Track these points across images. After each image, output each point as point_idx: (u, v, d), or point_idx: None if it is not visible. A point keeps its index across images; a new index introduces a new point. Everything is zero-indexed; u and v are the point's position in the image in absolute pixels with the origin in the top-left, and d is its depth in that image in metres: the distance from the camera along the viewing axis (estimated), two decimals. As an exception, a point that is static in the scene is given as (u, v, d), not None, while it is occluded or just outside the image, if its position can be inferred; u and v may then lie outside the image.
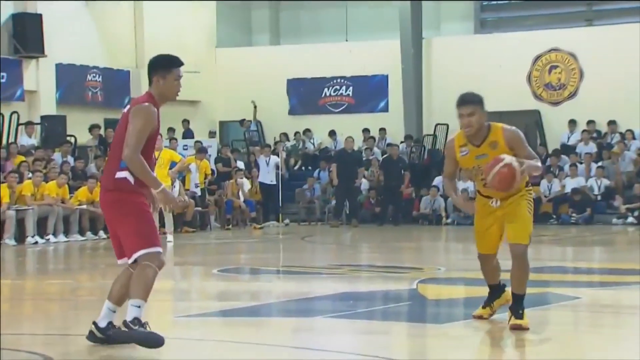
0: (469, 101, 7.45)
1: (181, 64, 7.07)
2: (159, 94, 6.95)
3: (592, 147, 25.36)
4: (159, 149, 17.42)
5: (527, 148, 7.52)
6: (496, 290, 7.95)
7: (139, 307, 6.76)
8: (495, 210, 7.58)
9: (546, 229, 20.98)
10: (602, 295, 10.64)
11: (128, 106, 6.96)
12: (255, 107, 27.88)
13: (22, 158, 21.31)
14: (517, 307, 7.54)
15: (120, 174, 6.86)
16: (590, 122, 26.15)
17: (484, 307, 7.98)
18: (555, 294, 10.02)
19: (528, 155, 7.44)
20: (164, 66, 6.97)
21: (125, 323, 6.76)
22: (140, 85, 24.42)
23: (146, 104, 6.86)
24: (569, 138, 26.23)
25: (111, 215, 7.00)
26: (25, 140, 23.40)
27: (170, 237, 18.59)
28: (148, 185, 6.90)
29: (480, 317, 7.97)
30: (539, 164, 7.61)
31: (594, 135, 26.01)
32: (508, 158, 7.21)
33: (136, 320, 6.73)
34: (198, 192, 22.96)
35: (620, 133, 25.60)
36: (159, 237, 7.11)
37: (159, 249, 6.96)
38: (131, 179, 6.86)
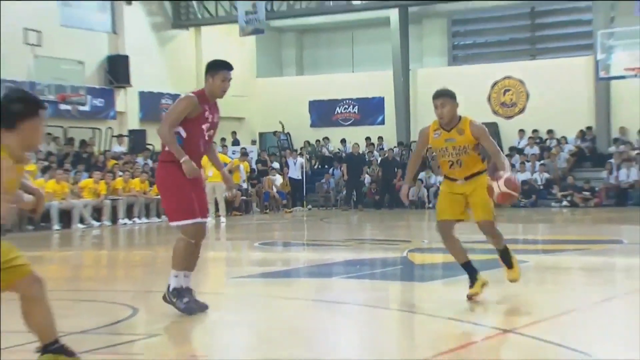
0: (442, 94, 6.82)
1: (229, 67, 6.46)
2: (208, 90, 6.42)
3: (536, 150, 25.21)
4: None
5: (490, 140, 6.83)
6: (471, 267, 6.93)
7: (176, 277, 6.25)
8: (461, 188, 6.81)
9: (501, 211, 20.79)
10: (545, 260, 10.61)
11: None
12: (282, 125, 27.84)
13: (115, 161, 21.40)
14: (505, 257, 7.09)
15: None
16: (534, 131, 25.98)
17: (472, 286, 6.88)
18: (509, 259, 9.94)
19: (490, 146, 6.79)
20: (213, 67, 6.45)
21: (167, 294, 6.30)
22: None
23: (191, 94, 6.36)
24: (519, 143, 26.07)
25: (159, 187, 6.45)
26: (117, 148, 23.47)
27: (223, 219, 18.80)
28: (174, 154, 6.17)
29: (475, 295, 6.84)
30: (503, 156, 6.86)
31: (538, 140, 25.84)
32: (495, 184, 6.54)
33: (175, 291, 6.24)
34: (244, 185, 23.02)
35: (557, 139, 25.46)
36: (196, 208, 6.23)
37: (194, 220, 6.18)
38: None
